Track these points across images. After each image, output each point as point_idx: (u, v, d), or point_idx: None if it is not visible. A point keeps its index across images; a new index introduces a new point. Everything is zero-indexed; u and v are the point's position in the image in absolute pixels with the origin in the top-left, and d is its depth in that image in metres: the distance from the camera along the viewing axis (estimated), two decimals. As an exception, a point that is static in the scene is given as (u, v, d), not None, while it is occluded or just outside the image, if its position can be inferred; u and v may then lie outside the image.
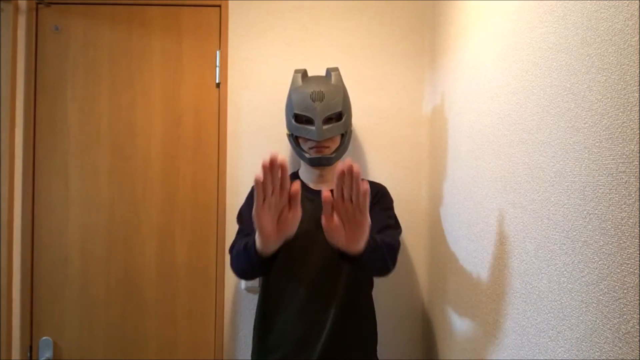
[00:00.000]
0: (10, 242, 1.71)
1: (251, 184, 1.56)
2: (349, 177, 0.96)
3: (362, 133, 1.79)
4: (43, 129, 1.76)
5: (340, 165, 0.96)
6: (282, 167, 0.96)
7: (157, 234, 1.77)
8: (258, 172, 0.94)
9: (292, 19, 1.79)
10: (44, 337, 1.74)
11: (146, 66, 1.77)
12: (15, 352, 1.72)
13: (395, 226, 1.41)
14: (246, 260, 1.18)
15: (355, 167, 0.95)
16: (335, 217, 1.01)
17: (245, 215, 1.43)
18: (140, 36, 1.78)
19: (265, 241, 1.06)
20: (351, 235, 1.02)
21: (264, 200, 0.97)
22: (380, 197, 1.49)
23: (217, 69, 1.77)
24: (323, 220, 1.01)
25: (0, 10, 1.69)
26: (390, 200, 1.51)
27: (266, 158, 0.93)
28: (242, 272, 1.28)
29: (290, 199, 1.01)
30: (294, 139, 1.49)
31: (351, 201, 0.98)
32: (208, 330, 1.77)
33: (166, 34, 1.78)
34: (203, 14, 1.79)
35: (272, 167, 0.94)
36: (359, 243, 1.04)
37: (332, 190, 1.00)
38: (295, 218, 1.03)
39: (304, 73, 1.55)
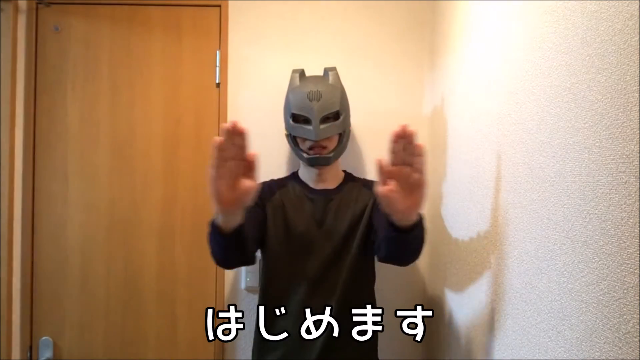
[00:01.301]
0: (10, 242, 1.71)
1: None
2: (403, 139, 0.97)
3: (362, 133, 1.79)
4: (43, 129, 1.76)
5: (394, 130, 0.96)
6: (242, 134, 0.98)
7: (157, 234, 1.77)
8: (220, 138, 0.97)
9: (292, 19, 1.79)
10: (44, 337, 1.74)
11: (146, 66, 1.77)
12: (15, 352, 1.72)
13: None
14: (214, 240, 1.16)
15: (410, 129, 0.96)
16: (393, 183, 1.00)
17: None
18: (140, 36, 1.77)
19: (222, 209, 1.04)
20: (409, 201, 1.01)
21: (222, 165, 0.99)
22: None
23: (217, 69, 1.77)
24: (379, 189, 0.99)
25: (0, 10, 1.69)
26: None
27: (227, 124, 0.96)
28: (218, 255, 1.24)
29: (248, 167, 1.01)
30: (292, 139, 1.49)
31: (406, 164, 0.99)
32: (208, 330, 1.77)
33: (166, 34, 1.78)
34: (203, 14, 1.79)
35: (232, 132, 0.97)
36: (418, 207, 1.02)
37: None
38: (252, 186, 1.02)
39: (302, 73, 1.55)
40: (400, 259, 1.30)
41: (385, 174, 0.99)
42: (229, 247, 1.17)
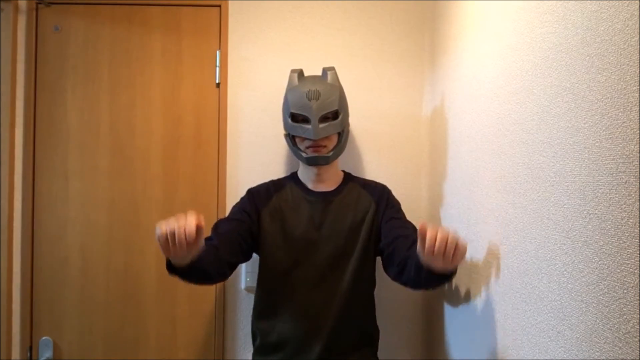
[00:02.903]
0: (10, 242, 1.71)
1: (251, 184, 1.56)
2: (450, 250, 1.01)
3: (362, 133, 1.79)
4: (43, 129, 1.76)
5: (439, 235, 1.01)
6: (191, 235, 1.04)
7: (157, 234, 1.76)
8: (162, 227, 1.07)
9: (292, 19, 1.79)
10: (44, 337, 1.74)
11: (146, 66, 1.77)
12: (15, 352, 1.72)
13: (414, 229, 1.38)
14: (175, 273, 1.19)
15: (461, 243, 1.02)
16: (436, 248, 1.03)
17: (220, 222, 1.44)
18: (140, 36, 1.77)
19: (170, 257, 1.12)
20: (450, 264, 1.05)
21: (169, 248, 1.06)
22: (387, 197, 1.49)
23: (217, 69, 1.77)
24: (421, 253, 1.05)
25: (0, 10, 1.69)
26: (397, 201, 1.52)
27: (161, 230, 1.04)
28: (187, 281, 1.26)
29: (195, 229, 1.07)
30: (291, 138, 1.49)
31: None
32: (208, 330, 1.77)
33: (166, 34, 1.78)
34: (203, 14, 1.79)
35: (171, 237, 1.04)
36: (456, 265, 1.08)
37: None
38: (197, 244, 1.08)
39: (300, 73, 1.54)
40: (421, 288, 1.40)
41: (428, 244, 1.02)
42: (188, 277, 1.21)
